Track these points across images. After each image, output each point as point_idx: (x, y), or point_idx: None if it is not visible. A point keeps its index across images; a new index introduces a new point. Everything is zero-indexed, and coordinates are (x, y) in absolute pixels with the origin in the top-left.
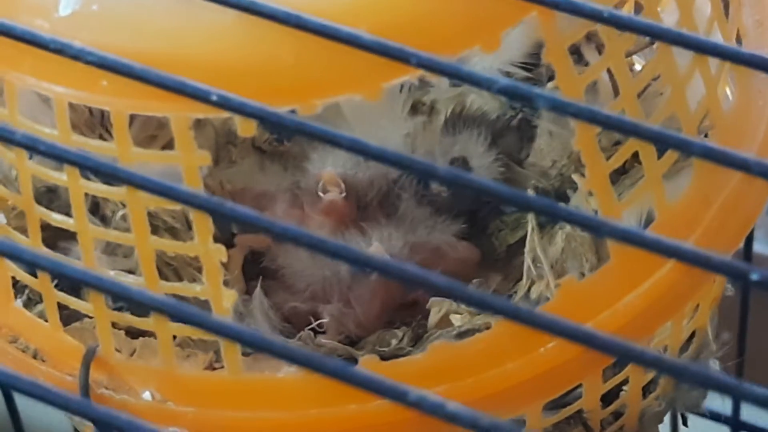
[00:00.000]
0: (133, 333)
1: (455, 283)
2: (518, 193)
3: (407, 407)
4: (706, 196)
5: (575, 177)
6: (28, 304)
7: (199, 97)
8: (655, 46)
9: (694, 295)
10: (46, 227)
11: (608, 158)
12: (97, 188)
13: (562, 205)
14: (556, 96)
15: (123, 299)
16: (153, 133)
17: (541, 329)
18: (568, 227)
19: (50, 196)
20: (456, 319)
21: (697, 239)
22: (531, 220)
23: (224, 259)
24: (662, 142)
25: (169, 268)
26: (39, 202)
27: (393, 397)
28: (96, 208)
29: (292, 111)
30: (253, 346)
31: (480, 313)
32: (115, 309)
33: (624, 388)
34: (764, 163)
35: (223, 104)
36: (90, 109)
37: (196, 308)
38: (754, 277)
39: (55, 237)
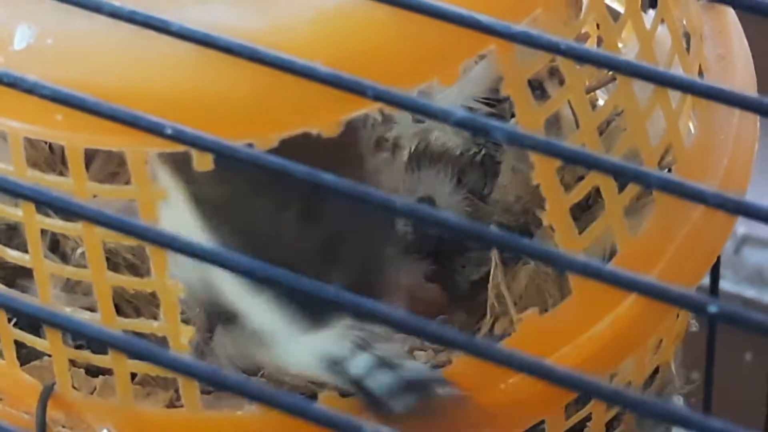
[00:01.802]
0: (93, 371)
1: (417, 318)
2: (478, 227)
3: None
4: (667, 230)
5: (539, 213)
6: None
7: (154, 130)
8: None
9: (657, 329)
10: (3, 266)
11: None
12: (53, 224)
13: (521, 238)
14: (513, 128)
15: (78, 334)
16: (114, 170)
17: (500, 363)
18: (531, 264)
19: (10, 234)
20: (420, 356)
21: (659, 273)
22: (494, 256)
23: (182, 295)
24: (620, 175)
25: (129, 305)
26: None
27: (347, 430)
28: (56, 245)
29: (249, 145)
30: (209, 381)
31: (443, 350)
32: (73, 347)
33: (588, 424)
34: (721, 195)
35: (178, 137)
36: (50, 146)
37: (151, 344)
38: (712, 309)
39: (13, 275)
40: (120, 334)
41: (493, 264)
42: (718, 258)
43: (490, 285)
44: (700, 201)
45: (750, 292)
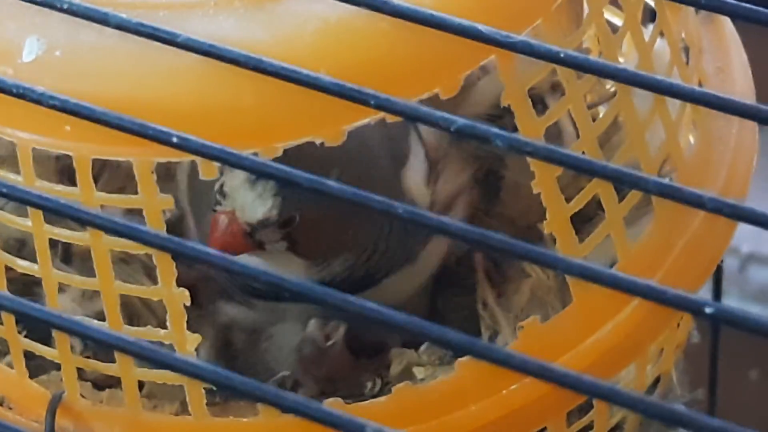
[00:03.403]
0: (100, 386)
1: (420, 320)
2: (475, 230)
3: None
4: (667, 239)
5: (541, 227)
6: None
7: (161, 139)
8: None
9: (658, 336)
10: (13, 280)
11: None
12: (61, 233)
13: (521, 242)
14: (513, 135)
15: (85, 338)
16: (121, 185)
17: (502, 364)
18: (534, 276)
19: (18, 246)
20: (419, 371)
21: (659, 281)
22: (480, 275)
23: (187, 303)
24: (618, 180)
25: (145, 307)
26: (7, 252)
27: (351, 430)
28: (69, 256)
29: (254, 154)
30: (214, 382)
31: (443, 365)
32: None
33: None
34: (718, 200)
35: (184, 146)
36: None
37: (157, 346)
38: (708, 310)
39: (22, 290)
40: (128, 338)
41: (479, 284)
42: (721, 270)
43: (479, 306)
44: (697, 206)
45: (755, 310)
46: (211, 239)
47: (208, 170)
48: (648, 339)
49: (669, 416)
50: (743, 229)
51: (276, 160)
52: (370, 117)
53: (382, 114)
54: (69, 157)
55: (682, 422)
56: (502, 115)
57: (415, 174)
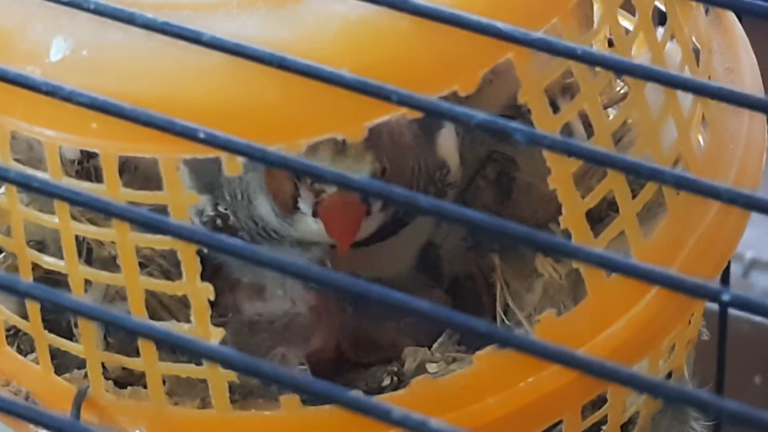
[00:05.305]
0: (122, 384)
1: (443, 308)
2: (498, 222)
3: (391, 425)
4: (679, 234)
5: (552, 226)
6: (19, 354)
7: (187, 134)
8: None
9: (671, 330)
10: (35, 279)
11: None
12: (87, 229)
13: (542, 233)
14: (532, 129)
15: (111, 325)
16: (139, 187)
17: (534, 354)
18: (546, 275)
19: (38, 248)
20: (432, 368)
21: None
22: (498, 276)
23: (212, 297)
24: (635, 172)
25: (165, 311)
26: None
27: (377, 415)
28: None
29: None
30: (242, 369)
31: (454, 361)
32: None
33: (603, 428)
34: (733, 190)
35: (210, 141)
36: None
37: (182, 334)
38: (725, 297)
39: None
40: (153, 325)
41: (498, 286)
42: (728, 271)
43: (498, 303)
44: (713, 196)
45: (758, 316)
46: (334, 223)
47: (232, 166)
48: (661, 333)
49: (688, 399)
50: (747, 235)
51: None
52: (391, 113)
53: (403, 110)
54: (88, 159)
55: (700, 405)
56: (514, 117)
57: (447, 139)
